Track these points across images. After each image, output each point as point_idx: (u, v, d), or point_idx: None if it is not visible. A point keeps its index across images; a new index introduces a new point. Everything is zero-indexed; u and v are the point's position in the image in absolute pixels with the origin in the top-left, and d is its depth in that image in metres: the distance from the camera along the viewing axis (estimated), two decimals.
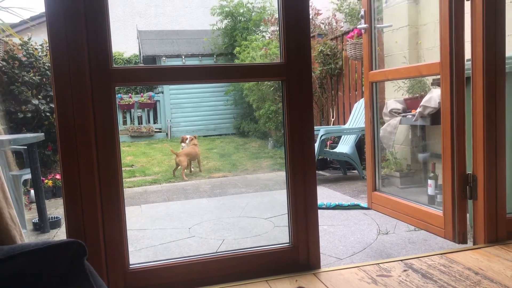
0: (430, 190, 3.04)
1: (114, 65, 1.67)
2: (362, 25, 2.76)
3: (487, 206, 2.10)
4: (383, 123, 3.68)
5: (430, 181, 3.05)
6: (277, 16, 1.89)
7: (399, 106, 3.68)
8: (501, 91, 2.10)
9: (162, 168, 6.11)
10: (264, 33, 9.43)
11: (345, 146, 4.76)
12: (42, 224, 3.15)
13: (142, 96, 9.61)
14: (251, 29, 9.56)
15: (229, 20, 9.78)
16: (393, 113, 3.69)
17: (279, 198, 3.93)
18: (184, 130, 9.59)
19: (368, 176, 2.84)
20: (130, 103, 9.40)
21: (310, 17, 2.72)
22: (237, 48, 8.50)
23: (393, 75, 2.92)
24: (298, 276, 1.83)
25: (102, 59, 1.64)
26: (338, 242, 2.57)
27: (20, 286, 0.89)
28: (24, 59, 4.96)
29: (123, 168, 1.81)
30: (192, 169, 5.83)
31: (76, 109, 1.63)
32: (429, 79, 3.50)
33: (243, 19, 9.66)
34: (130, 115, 9.60)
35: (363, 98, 4.44)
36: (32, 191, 3.67)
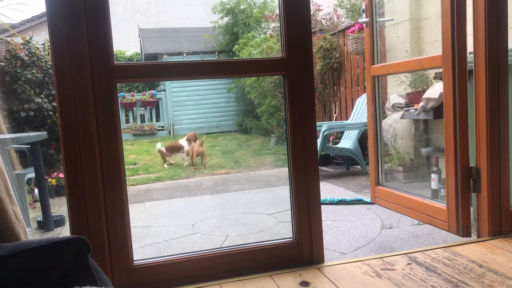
0: (434, 184, 3.04)
1: (115, 62, 1.67)
2: (364, 19, 2.75)
3: (491, 199, 2.10)
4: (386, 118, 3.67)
5: (433, 175, 3.05)
6: (278, 12, 1.88)
7: (402, 101, 3.67)
8: (504, 83, 2.09)
9: (165, 166, 6.12)
10: (265, 30, 9.40)
11: (347, 142, 4.75)
12: (46, 222, 3.16)
13: (144, 95, 9.61)
14: (252, 26, 9.54)
15: (230, 17, 9.76)
16: (395, 107, 3.68)
17: (282, 194, 3.93)
18: (187, 127, 9.59)
19: (371, 171, 2.84)
20: (133, 102, 9.40)
21: (311, 12, 2.72)
22: (236, 46, 8.47)
23: (395, 69, 2.91)
24: (302, 271, 1.83)
25: (103, 56, 1.64)
26: (342, 237, 2.57)
27: (24, 282, 0.90)
28: (26, 58, 4.96)
29: (126, 166, 1.82)
30: (187, 163, 6.03)
31: (78, 108, 1.63)
32: (431, 73, 3.48)
33: (244, 16, 9.64)
34: (133, 113, 9.61)
35: (365, 93, 4.44)
36: (36, 190, 3.69)
